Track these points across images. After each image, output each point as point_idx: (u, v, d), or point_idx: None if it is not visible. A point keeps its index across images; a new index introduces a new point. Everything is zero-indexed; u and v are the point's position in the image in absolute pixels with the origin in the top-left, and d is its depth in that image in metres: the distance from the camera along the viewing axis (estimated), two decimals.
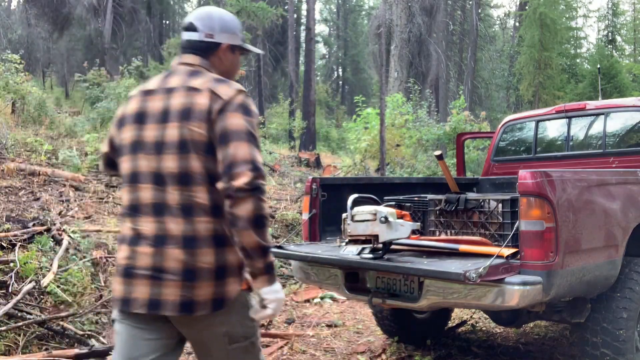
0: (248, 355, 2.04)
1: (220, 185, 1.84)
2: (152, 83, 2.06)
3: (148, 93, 2.01)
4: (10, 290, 4.16)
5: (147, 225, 1.92)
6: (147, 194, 1.93)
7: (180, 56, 2.07)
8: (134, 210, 1.96)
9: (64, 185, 7.12)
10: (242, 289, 1.97)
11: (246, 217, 1.80)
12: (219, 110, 1.88)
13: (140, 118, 1.98)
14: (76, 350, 3.73)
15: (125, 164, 2.00)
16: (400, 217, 3.10)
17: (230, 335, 1.98)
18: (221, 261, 1.90)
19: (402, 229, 2.94)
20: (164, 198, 1.90)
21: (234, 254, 1.92)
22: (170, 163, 1.89)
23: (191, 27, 2.07)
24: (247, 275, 1.94)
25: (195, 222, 1.88)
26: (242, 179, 1.79)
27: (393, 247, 3.24)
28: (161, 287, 1.88)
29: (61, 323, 4.10)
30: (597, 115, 4.65)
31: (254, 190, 1.80)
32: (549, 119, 5.00)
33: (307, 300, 5.80)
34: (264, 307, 1.92)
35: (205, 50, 2.06)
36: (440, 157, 3.44)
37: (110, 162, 2.17)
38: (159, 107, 1.95)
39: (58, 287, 4.46)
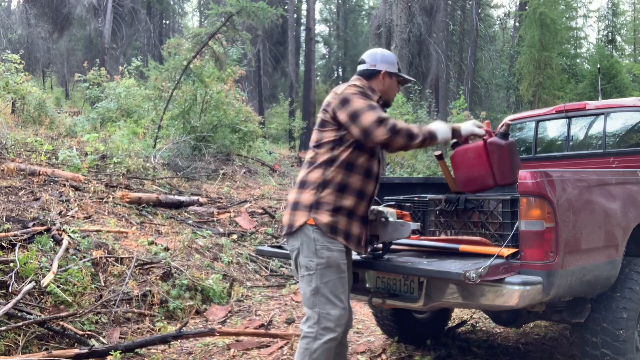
0: (308, 287, 2.62)
1: (370, 145, 2.68)
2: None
3: None
4: (10, 290, 4.16)
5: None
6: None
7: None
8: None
9: (64, 185, 7.12)
10: (309, 224, 2.61)
11: (404, 144, 2.63)
12: (339, 102, 2.71)
13: None
14: (76, 350, 3.73)
15: None
16: (401, 217, 3.10)
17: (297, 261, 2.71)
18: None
19: (402, 229, 2.94)
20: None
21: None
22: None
23: (360, 62, 2.99)
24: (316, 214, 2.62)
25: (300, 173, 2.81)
26: (380, 132, 2.59)
27: (393, 247, 3.24)
28: None
29: (61, 323, 4.10)
30: (597, 115, 4.65)
31: (392, 131, 2.59)
32: (549, 119, 5.00)
33: None
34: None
35: (369, 75, 2.92)
36: (440, 157, 3.43)
37: None
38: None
39: (58, 287, 4.46)
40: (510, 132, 5.31)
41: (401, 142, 2.62)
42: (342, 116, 2.67)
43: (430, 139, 2.71)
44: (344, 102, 2.68)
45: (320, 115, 2.80)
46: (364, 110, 2.63)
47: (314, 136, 2.80)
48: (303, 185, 2.73)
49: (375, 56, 2.95)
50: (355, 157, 2.70)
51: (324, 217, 2.63)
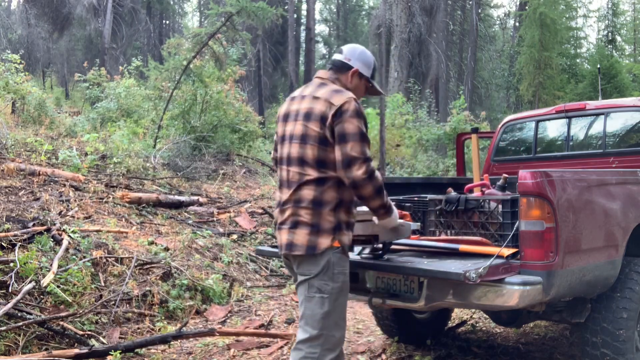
0: (320, 310, 2.57)
1: (341, 174, 2.55)
2: (296, 92, 2.83)
3: (292, 99, 2.80)
4: (10, 290, 4.16)
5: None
6: (283, 172, 2.73)
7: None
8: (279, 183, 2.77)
9: (64, 185, 7.12)
10: (335, 246, 2.58)
11: (369, 195, 2.57)
12: (334, 115, 2.56)
13: (285, 117, 2.78)
14: (76, 350, 3.73)
15: (279, 151, 2.81)
16: (401, 217, 3.10)
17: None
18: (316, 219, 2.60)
19: (402, 229, 2.94)
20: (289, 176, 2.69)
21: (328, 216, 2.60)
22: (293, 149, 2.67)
23: (339, 51, 2.86)
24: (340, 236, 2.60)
25: (303, 190, 2.60)
26: (362, 169, 2.50)
27: (393, 247, 3.24)
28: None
29: (61, 323, 4.10)
30: (597, 115, 4.65)
31: (371, 176, 2.52)
32: (549, 119, 5.00)
33: None
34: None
35: (340, 67, 2.79)
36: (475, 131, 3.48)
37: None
38: (295, 109, 2.72)
39: (58, 287, 4.46)
40: (510, 132, 5.33)
41: (369, 192, 2.55)
42: (334, 129, 2.55)
43: (388, 209, 2.71)
44: (340, 115, 2.53)
45: (313, 128, 2.58)
46: (355, 137, 2.51)
47: (313, 152, 2.58)
48: (319, 205, 2.57)
49: (355, 52, 2.81)
50: None
51: (346, 239, 2.65)
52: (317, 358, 2.56)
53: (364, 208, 2.99)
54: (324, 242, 2.56)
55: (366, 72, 2.80)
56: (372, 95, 2.99)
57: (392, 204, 2.75)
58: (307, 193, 2.59)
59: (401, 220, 2.97)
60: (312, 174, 2.59)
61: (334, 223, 2.59)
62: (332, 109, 2.55)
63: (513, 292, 2.67)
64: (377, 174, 2.57)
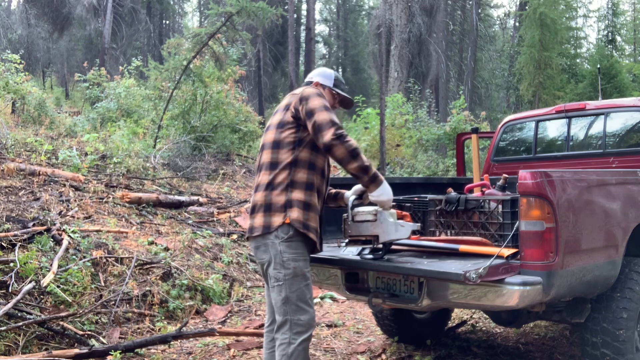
0: (279, 297, 2.73)
1: (318, 144, 2.73)
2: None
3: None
4: (10, 290, 4.16)
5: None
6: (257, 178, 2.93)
7: None
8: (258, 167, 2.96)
9: (64, 185, 7.12)
10: (286, 223, 2.71)
11: (343, 157, 2.69)
12: (298, 101, 2.82)
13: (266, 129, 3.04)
14: (76, 350, 3.73)
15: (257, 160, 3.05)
16: (401, 217, 3.11)
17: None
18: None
19: (402, 230, 2.94)
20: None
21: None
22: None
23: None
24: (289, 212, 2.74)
25: (261, 177, 2.85)
26: (330, 133, 2.68)
27: (393, 247, 3.24)
28: None
29: (61, 323, 4.10)
30: (597, 115, 4.65)
31: (340, 138, 2.67)
32: (549, 119, 5.00)
33: None
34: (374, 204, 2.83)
35: (307, 84, 3.09)
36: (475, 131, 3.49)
37: None
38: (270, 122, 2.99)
39: (58, 287, 4.46)
40: (510, 132, 5.33)
41: (342, 152, 2.68)
42: (302, 113, 2.80)
43: (373, 177, 2.77)
44: (303, 99, 2.81)
45: (276, 117, 2.92)
46: (320, 109, 2.75)
47: (270, 136, 2.88)
48: (271, 187, 2.80)
49: (315, 72, 3.16)
50: (314, 158, 2.85)
51: (298, 215, 2.75)
52: (288, 343, 2.72)
53: (364, 208, 2.99)
54: (277, 220, 2.74)
55: (327, 82, 3.07)
56: (344, 104, 3.19)
57: (379, 176, 2.81)
58: (264, 178, 2.83)
59: (400, 221, 2.98)
60: (266, 158, 2.85)
61: (284, 201, 2.75)
62: (297, 97, 2.85)
63: (513, 292, 2.67)
64: (350, 138, 2.71)
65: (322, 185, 2.93)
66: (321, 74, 3.13)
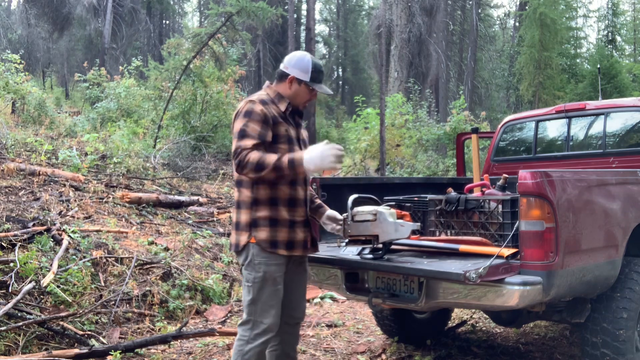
0: (247, 297, 2.78)
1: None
2: None
3: None
4: (10, 290, 4.16)
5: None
6: None
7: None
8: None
9: (64, 185, 7.12)
10: (251, 242, 2.73)
11: (257, 175, 2.64)
12: (234, 117, 2.81)
13: None
14: (76, 350, 3.73)
15: None
16: (401, 217, 3.10)
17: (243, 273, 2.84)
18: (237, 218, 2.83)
19: (402, 230, 2.94)
20: None
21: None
22: None
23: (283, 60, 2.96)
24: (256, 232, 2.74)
25: (235, 193, 2.88)
26: (234, 167, 2.69)
27: (393, 247, 3.24)
28: None
29: (61, 323, 4.10)
30: (597, 115, 4.65)
31: (241, 167, 2.64)
32: (549, 119, 5.00)
33: (307, 300, 5.80)
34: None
35: (280, 77, 2.92)
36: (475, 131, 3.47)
37: None
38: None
39: (58, 287, 4.46)
40: (510, 132, 5.32)
41: (253, 173, 2.64)
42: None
43: (289, 163, 2.61)
44: (235, 118, 2.79)
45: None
46: (236, 135, 2.71)
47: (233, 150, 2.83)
48: (239, 205, 2.82)
49: (292, 59, 2.91)
50: None
51: (263, 234, 2.74)
52: (247, 341, 2.76)
53: (364, 208, 2.99)
54: (242, 239, 2.77)
55: (304, 77, 2.87)
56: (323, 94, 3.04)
57: (294, 157, 2.63)
58: (235, 195, 2.87)
59: (400, 221, 2.97)
60: (234, 175, 2.83)
61: (249, 220, 2.76)
62: (235, 113, 2.81)
63: (513, 292, 2.67)
64: (249, 155, 2.61)
65: (296, 191, 2.83)
66: (298, 66, 2.88)
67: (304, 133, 3.02)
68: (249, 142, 2.65)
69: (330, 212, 3.07)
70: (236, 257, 2.91)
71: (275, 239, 2.75)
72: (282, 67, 2.92)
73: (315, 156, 2.61)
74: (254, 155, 2.61)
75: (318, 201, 3.13)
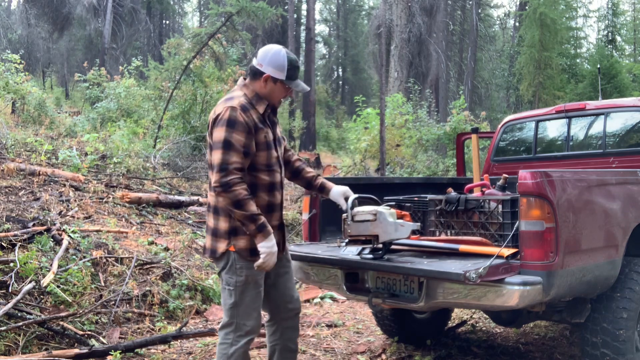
0: (228, 300, 2.75)
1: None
2: None
3: None
4: (10, 290, 4.16)
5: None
6: None
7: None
8: None
9: (64, 185, 7.12)
10: (230, 250, 2.71)
11: (227, 205, 2.62)
12: (212, 123, 2.69)
13: None
14: (76, 350, 3.73)
15: None
16: (401, 217, 3.10)
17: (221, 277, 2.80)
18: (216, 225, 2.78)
19: (402, 229, 2.94)
20: None
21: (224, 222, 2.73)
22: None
23: (255, 54, 2.82)
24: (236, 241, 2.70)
25: (209, 196, 2.83)
26: (214, 179, 2.61)
27: (393, 247, 3.24)
28: None
29: (61, 323, 4.10)
30: (597, 115, 4.65)
31: (223, 186, 2.58)
32: (549, 119, 5.00)
33: (307, 300, 5.81)
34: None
35: (253, 74, 2.78)
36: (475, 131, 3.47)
37: None
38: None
39: (58, 287, 4.46)
40: (510, 132, 5.33)
41: (226, 202, 2.60)
42: (208, 139, 2.71)
43: (259, 227, 2.61)
44: (214, 125, 2.67)
45: (208, 138, 2.76)
46: (218, 145, 2.61)
47: (208, 156, 2.74)
48: (216, 211, 2.77)
49: (266, 56, 2.75)
50: (254, 179, 2.73)
51: (243, 242, 2.71)
52: (230, 344, 2.74)
53: (364, 208, 3.00)
54: (221, 246, 2.73)
55: (279, 76, 2.74)
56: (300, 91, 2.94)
57: (267, 227, 2.63)
58: (210, 199, 2.81)
59: (400, 221, 2.97)
60: (212, 179, 2.68)
61: (229, 228, 2.71)
62: (213, 118, 2.69)
63: (513, 292, 2.67)
64: (238, 186, 2.56)
65: (274, 197, 2.81)
66: (273, 63, 2.73)
67: (279, 129, 2.95)
68: (235, 158, 2.59)
69: (335, 189, 3.05)
70: (212, 262, 2.85)
71: (255, 246, 2.69)
72: (255, 63, 2.76)
73: (267, 252, 2.64)
74: (243, 192, 2.57)
75: (320, 180, 3.10)
